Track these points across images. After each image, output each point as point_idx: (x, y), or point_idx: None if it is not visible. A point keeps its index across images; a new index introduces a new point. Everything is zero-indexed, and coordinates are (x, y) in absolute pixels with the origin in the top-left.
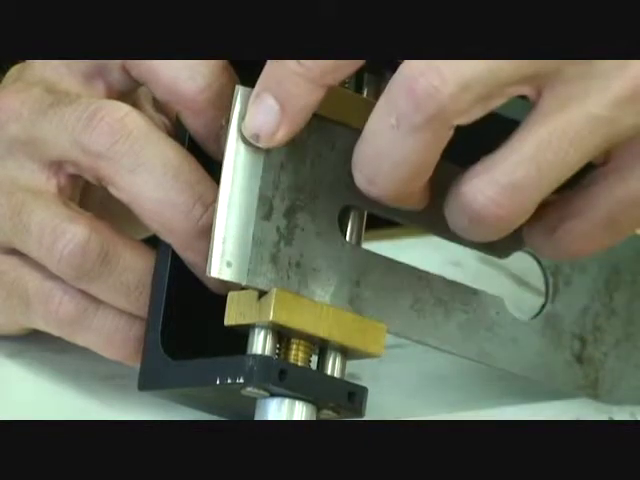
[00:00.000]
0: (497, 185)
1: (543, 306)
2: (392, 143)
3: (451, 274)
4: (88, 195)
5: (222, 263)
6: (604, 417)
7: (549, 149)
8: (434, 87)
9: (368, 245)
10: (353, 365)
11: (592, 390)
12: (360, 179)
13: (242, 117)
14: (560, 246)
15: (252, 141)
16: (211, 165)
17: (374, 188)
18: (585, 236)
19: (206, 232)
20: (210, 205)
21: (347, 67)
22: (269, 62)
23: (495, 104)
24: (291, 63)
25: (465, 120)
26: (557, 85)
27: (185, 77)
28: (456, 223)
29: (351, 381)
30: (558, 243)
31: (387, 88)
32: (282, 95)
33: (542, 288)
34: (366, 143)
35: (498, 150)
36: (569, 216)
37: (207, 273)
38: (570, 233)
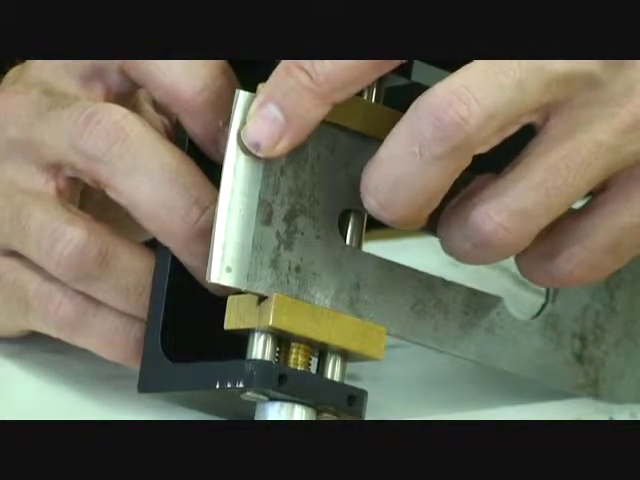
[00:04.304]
0: (507, 211)
1: (543, 306)
2: (412, 170)
3: (450, 274)
4: (88, 197)
5: (222, 268)
6: (604, 417)
7: (558, 175)
8: (462, 118)
9: (367, 246)
10: (353, 365)
11: (593, 389)
12: (372, 203)
13: (242, 122)
14: (558, 274)
15: (252, 150)
16: (211, 167)
17: (387, 213)
18: (585, 264)
19: (204, 235)
20: (208, 208)
21: (357, 84)
22: (277, 70)
23: (510, 132)
24: (302, 76)
25: (485, 149)
26: (565, 111)
27: (183, 79)
28: (456, 246)
29: (351, 382)
30: (556, 271)
31: (408, 114)
32: (288, 107)
33: (542, 288)
34: (382, 168)
35: (506, 174)
36: (568, 244)
37: (207, 278)
38: (570, 261)
